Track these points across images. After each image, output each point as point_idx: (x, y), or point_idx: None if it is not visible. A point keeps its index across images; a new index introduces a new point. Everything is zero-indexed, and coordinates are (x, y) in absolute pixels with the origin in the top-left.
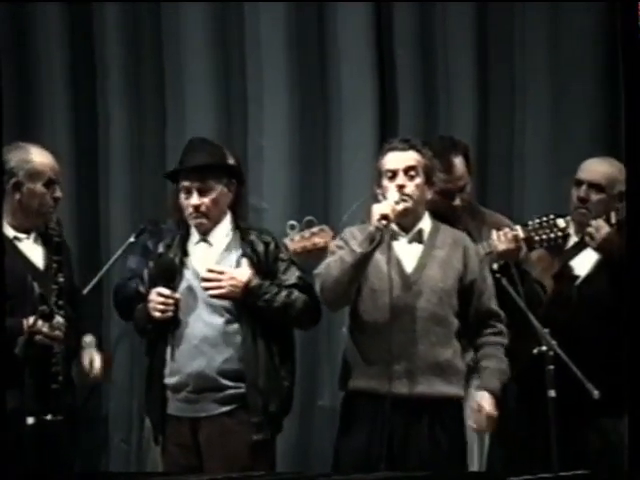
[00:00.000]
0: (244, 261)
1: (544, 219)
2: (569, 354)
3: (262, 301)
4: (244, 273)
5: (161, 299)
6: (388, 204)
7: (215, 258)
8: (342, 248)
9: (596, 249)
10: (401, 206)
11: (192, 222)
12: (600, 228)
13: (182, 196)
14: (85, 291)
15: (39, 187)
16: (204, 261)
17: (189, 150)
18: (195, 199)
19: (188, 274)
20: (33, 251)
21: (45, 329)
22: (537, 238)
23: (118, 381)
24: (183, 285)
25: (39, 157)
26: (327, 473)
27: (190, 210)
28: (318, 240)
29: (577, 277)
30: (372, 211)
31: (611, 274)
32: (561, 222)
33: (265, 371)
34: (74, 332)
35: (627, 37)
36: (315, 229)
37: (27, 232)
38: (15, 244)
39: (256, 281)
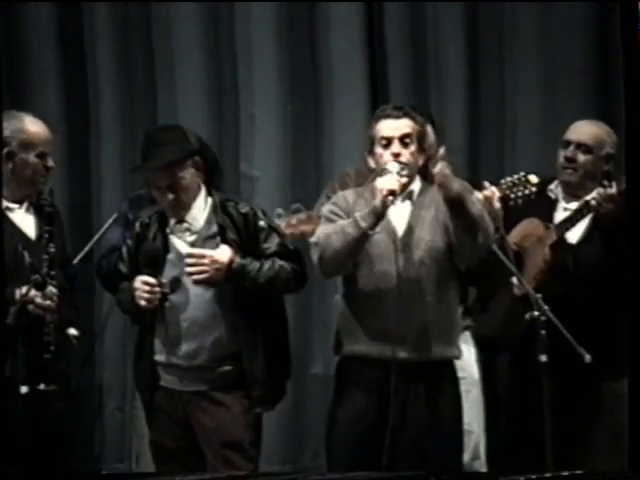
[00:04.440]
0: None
1: (515, 177)
2: (568, 321)
3: (247, 280)
4: (225, 253)
5: (147, 287)
6: (393, 179)
7: (194, 236)
8: (335, 214)
9: (601, 217)
10: (404, 179)
11: (169, 213)
12: (609, 197)
13: (153, 191)
14: (75, 261)
15: (32, 157)
16: (184, 241)
17: (149, 145)
18: (168, 195)
19: (172, 256)
20: (25, 221)
21: (38, 299)
22: (512, 196)
23: (111, 349)
24: (168, 267)
25: (33, 127)
26: (321, 472)
27: (165, 206)
28: (305, 228)
29: (572, 245)
30: (377, 186)
31: (606, 238)
32: (533, 178)
33: (262, 345)
34: (66, 302)
35: (627, 37)
36: (302, 216)
37: (19, 202)
38: (7, 214)
39: (238, 261)
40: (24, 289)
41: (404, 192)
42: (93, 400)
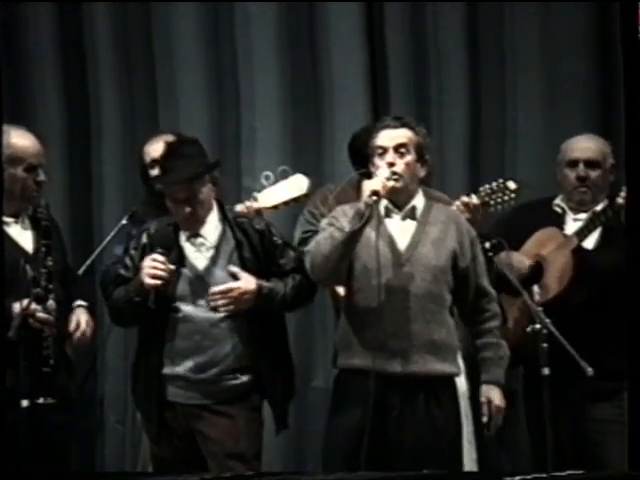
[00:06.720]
0: (237, 270)
1: (494, 184)
2: (589, 326)
3: (275, 302)
4: (251, 282)
5: (155, 264)
6: (379, 180)
7: (211, 252)
8: (333, 226)
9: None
10: (391, 183)
11: (184, 227)
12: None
13: (169, 203)
14: (79, 273)
15: (20, 172)
16: (201, 256)
17: (170, 157)
18: (185, 208)
19: (186, 270)
20: (22, 235)
21: (40, 313)
22: (492, 202)
23: (112, 363)
24: (183, 281)
25: (20, 141)
26: (311, 472)
27: (181, 218)
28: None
29: (591, 250)
30: (363, 187)
31: (620, 243)
32: (511, 184)
33: (278, 364)
34: (65, 315)
35: (627, 37)
36: (290, 179)
37: (15, 216)
38: (3, 228)
39: (266, 286)
40: (25, 302)
41: (398, 197)
42: (94, 413)
